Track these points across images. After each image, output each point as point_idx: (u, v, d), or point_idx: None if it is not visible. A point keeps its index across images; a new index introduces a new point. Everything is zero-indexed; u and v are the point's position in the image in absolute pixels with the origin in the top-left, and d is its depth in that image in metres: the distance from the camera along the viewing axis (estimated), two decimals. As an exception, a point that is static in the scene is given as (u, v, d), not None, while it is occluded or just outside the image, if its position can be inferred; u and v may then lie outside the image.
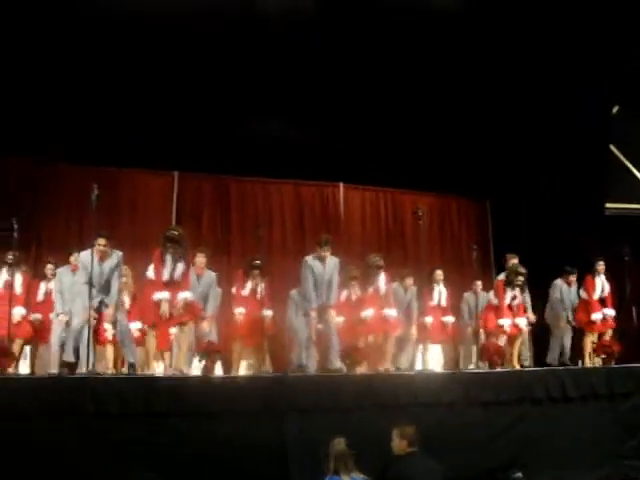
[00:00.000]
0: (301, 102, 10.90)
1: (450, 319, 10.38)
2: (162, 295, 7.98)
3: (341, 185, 13.35)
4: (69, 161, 11.48)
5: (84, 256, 7.93)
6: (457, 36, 10.33)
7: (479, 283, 10.62)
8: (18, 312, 8.73)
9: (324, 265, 8.88)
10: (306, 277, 8.87)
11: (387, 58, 10.67)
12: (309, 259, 8.93)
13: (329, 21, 10.02)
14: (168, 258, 8.08)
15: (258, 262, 9.26)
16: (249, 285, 9.34)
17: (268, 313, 9.35)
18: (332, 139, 11.56)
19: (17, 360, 8.88)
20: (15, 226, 8.48)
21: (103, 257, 7.94)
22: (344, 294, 9.52)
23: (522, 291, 9.80)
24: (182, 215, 12.14)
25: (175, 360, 8.50)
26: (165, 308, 7.94)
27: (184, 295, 8.11)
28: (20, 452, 6.45)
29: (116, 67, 10.18)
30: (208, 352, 8.57)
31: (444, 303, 10.30)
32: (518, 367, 9.52)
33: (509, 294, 9.68)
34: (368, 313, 9.24)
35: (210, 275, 9.20)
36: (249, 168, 12.03)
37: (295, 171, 12.44)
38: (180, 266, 8.12)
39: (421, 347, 9.92)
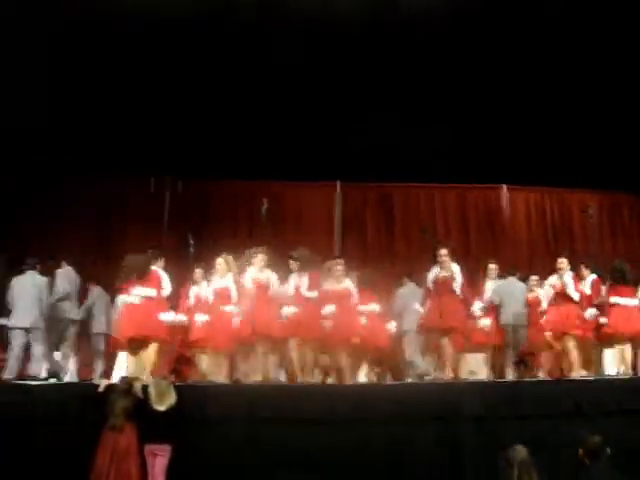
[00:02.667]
0: (463, 107, 10.86)
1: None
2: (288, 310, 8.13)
3: (504, 187, 13.09)
4: (237, 177, 11.94)
5: None
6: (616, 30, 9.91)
7: None
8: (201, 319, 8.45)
9: None
10: None
11: (543, 55, 10.45)
12: None
13: (487, 22, 9.90)
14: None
15: None
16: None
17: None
18: (494, 141, 11.36)
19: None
20: (191, 241, 8.91)
21: None
22: None
23: None
24: (346, 224, 12.34)
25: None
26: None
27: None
28: (198, 454, 6.87)
29: (277, 86, 10.55)
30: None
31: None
32: None
33: None
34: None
35: None
36: (411, 174, 12.07)
37: (457, 175, 12.30)
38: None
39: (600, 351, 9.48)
